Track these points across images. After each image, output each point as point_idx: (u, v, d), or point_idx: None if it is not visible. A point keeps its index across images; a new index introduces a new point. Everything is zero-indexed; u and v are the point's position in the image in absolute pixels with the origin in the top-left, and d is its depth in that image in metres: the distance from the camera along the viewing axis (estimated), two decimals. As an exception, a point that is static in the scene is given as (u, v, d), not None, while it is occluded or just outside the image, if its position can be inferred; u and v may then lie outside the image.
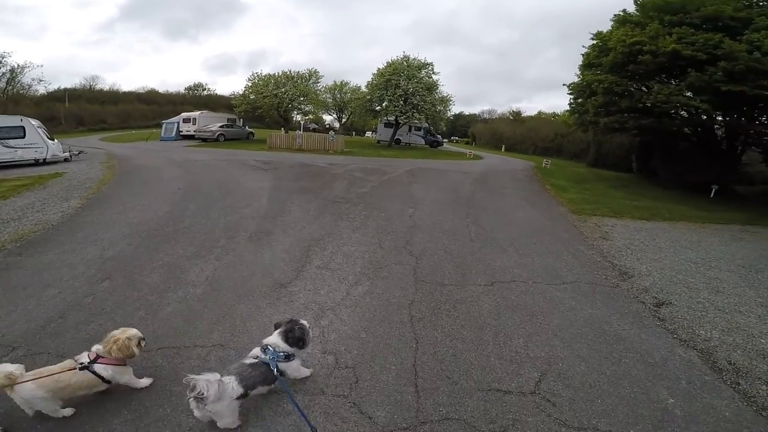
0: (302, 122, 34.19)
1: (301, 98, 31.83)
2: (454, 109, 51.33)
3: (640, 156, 19.99)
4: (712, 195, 12.98)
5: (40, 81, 46.71)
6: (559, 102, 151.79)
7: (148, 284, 4.23)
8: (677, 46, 11.56)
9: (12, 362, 2.35)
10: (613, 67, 13.88)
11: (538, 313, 4.00)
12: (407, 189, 10.74)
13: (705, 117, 12.98)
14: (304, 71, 32.26)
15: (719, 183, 13.29)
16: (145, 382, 2.70)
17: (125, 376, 2.58)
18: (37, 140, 13.59)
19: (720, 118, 13.30)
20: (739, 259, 6.22)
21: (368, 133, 56.30)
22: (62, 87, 50.95)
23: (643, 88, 14.14)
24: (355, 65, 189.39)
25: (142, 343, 2.65)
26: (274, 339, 2.62)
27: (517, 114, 65.22)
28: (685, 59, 11.60)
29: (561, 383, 2.95)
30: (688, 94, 12.23)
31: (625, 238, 7.17)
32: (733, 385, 3.05)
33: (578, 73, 16.83)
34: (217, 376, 2.25)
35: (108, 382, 2.48)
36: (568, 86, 17.02)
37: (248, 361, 2.49)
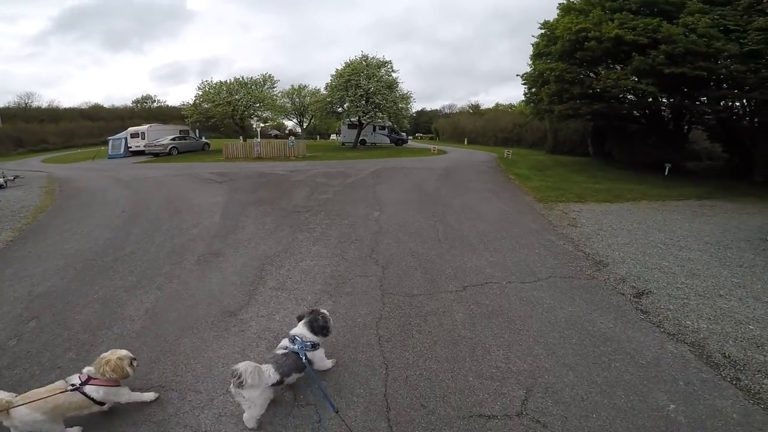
0: (258, 129, 32.88)
1: (257, 105, 30.68)
2: (416, 106, 51.71)
3: (595, 140, 20.68)
4: (666, 173, 13.46)
5: (-32, 102, 42.50)
6: (514, 93, 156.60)
7: (80, 321, 3.79)
8: (620, 31, 11.87)
9: None
10: (562, 55, 14.14)
11: (515, 319, 3.71)
12: (372, 191, 10.33)
13: (651, 99, 13.40)
14: (258, 77, 31.14)
15: (670, 161, 13.84)
16: (150, 396, 2.71)
17: (123, 396, 2.57)
18: None
19: (665, 100, 13.81)
20: (706, 236, 6.29)
21: (333, 136, 55.50)
22: (-6, 106, 46.70)
23: (592, 74, 14.49)
24: (315, 68, 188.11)
25: (134, 363, 2.64)
26: (300, 329, 2.76)
27: (476, 107, 66.66)
28: (628, 44, 11.93)
29: (549, 399, 2.65)
30: (634, 78, 12.60)
31: (593, 223, 7.13)
32: (734, 382, 2.83)
33: (530, 63, 17.09)
34: (255, 363, 2.34)
35: (101, 403, 2.45)
36: (522, 76, 17.21)
37: (280, 351, 2.66)
